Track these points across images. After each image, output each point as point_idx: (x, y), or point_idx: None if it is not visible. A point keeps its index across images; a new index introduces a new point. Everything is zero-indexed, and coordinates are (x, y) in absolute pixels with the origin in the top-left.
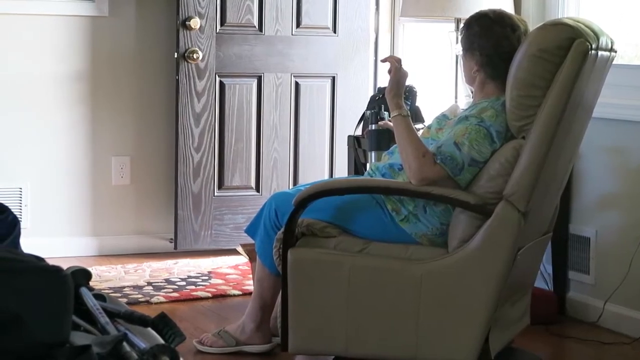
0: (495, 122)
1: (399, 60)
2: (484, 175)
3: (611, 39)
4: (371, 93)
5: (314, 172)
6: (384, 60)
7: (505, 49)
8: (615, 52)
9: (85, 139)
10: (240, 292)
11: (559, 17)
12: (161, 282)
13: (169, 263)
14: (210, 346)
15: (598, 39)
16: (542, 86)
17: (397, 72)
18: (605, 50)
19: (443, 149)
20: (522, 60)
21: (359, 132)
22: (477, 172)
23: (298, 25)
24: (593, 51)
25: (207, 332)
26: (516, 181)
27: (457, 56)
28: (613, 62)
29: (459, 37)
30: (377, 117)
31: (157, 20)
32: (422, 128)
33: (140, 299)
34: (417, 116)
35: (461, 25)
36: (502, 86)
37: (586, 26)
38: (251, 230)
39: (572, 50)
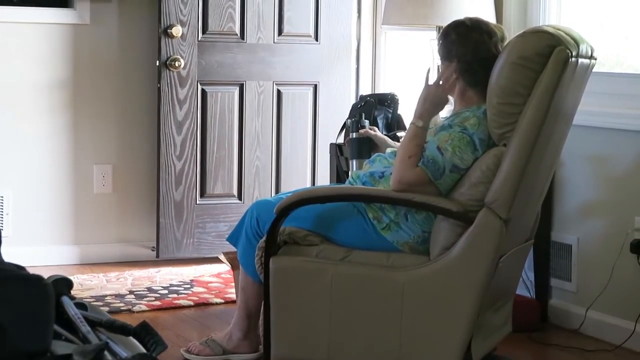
0: (478, 130)
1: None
2: (466, 182)
3: (591, 47)
4: (353, 101)
5: (296, 180)
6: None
7: (483, 55)
8: (596, 59)
9: (67, 147)
10: (222, 301)
11: (540, 24)
12: (143, 290)
13: (151, 271)
14: (197, 354)
15: (578, 47)
16: (523, 94)
17: (443, 98)
18: (585, 57)
19: (426, 152)
20: (503, 68)
21: (340, 140)
22: (458, 179)
23: (280, 33)
24: (573, 58)
25: (192, 341)
26: (497, 188)
27: (438, 66)
28: (594, 70)
29: (437, 47)
30: (358, 126)
31: (139, 28)
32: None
33: (122, 308)
34: (399, 124)
35: None
36: (482, 93)
37: (566, 34)
38: (233, 239)
39: (553, 57)
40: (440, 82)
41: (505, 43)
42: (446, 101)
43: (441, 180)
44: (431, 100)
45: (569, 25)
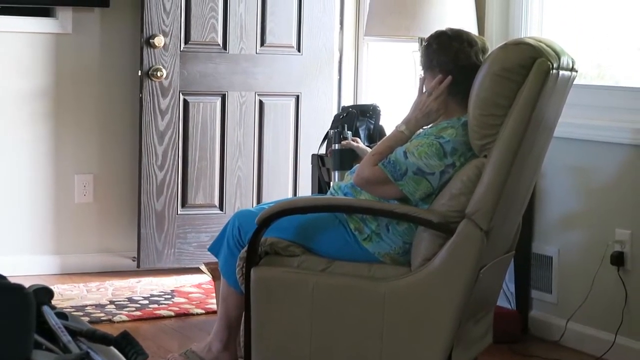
0: (453, 139)
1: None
2: (446, 193)
3: (572, 59)
4: (335, 112)
5: (278, 191)
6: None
7: (463, 63)
8: (577, 71)
9: (48, 157)
10: (203, 311)
11: (522, 36)
12: (124, 300)
13: (131, 281)
14: None
15: (559, 59)
16: (504, 105)
17: (437, 110)
18: (566, 69)
19: (391, 154)
20: (484, 79)
21: (322, 150)
22: (427, 185)
23: (262, 43)
24: (554, 70)
25: (172, 352)
26: (478, 199)
27: (420, 77)
28: (575, 82)
29: (420, 58)
30: (340, 137)
31: (121, 37)
32: None
33: (102, 318)
34: (381, 135)
35: None
36: (463, 103)
37: (547, 45)
38: (214, 249)
39: (534, 69)
40: (432, 94)
41: (487, 54)
42: (437, 112)
43: (402, 181)
44: (421, 109)
45: (551, 37)
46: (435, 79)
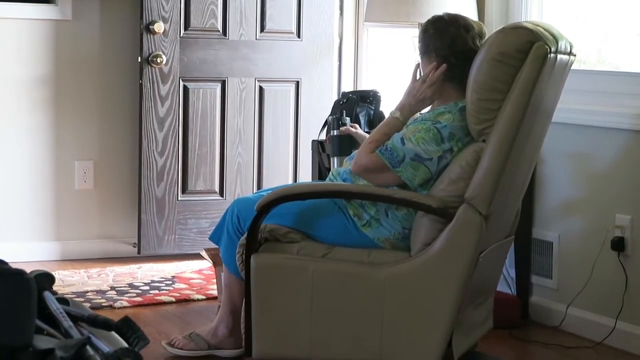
0: (450, 124)
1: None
2: (445, 178)
3: (570, 42)
4: (335, 98)
5: (278, 177)
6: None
7: (459, 48)
8: (575, 55)
9: (49, 143)
10: (204, 297)
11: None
12: (125, 286)
13: (132, 268)
14: (181, 349)
15: (557, 43)
16: (502, 89)
17: (431, 97)
18: (564, 53)
19: (388, 141)
20: (482, 63)
21: (322, 136)
22: (425, 171)
23: (262, 29)
24: (552, 54)
25: (175, 335)
26: (477, 184)
27: (417, 63)
28: (576, 68)
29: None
30: (339, 123)
31: (121, 24)
32: None
33: (103, 304)
34: (381, 121)
35: None
36: (460, 88)
37: (545, 30)
38: (215, 237)
39: (532, 53)
40: (427, 81)
41: (484, 39)
42: (430, 99)
43: (400, 168)
44: (415, 95)
45: (550, 23)
46: (430, 64)
